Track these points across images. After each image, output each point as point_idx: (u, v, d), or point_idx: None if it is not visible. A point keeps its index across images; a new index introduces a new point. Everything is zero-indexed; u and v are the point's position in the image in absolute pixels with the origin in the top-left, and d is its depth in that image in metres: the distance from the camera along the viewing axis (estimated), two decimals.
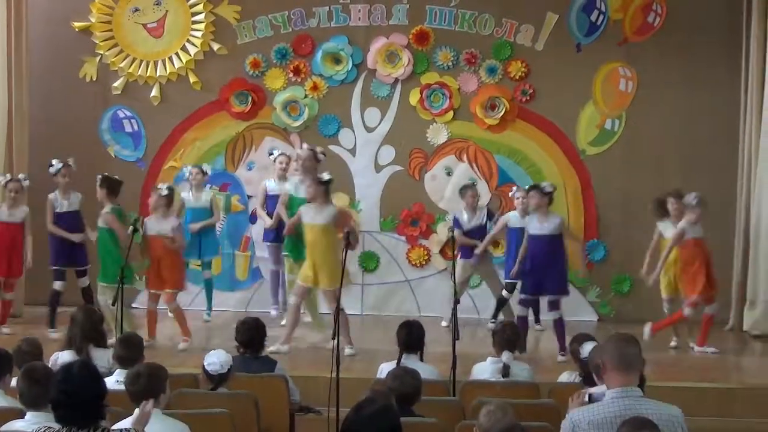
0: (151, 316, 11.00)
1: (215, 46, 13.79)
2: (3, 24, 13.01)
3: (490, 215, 12.36)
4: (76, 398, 4.70)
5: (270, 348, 9.74)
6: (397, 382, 6.23)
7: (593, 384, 6.58)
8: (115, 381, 6.72)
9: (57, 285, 11.59)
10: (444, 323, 12.04)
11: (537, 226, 10.80)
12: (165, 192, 10.97)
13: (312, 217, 10.73)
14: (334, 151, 13.51)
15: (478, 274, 12.62)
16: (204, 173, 12.60)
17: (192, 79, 13.80)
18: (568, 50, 13.48)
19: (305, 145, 12.47)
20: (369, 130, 13.72)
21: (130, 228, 10.43)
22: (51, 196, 11.66)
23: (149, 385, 5.69)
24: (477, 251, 11.99)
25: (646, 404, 4.88)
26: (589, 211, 13.47)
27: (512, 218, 11.91)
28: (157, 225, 10.89)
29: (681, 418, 4.89)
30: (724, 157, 13.13)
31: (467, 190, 12.50)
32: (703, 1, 13.34)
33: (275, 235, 12.36)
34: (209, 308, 12.68)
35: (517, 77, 13.55)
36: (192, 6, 13.81)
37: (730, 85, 13.10)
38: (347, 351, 10.42)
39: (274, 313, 12.51)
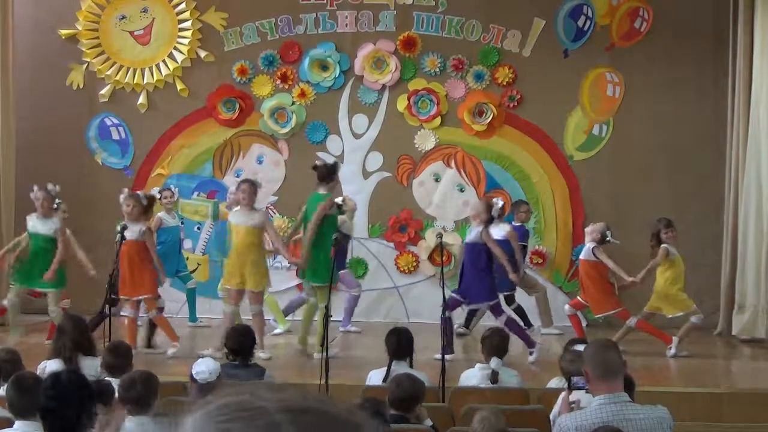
0: (131, 325, 10.86)
1: (202, 53, 13.78)
2: None
3: None
4: (65, 406, 4.68)
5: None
6: (393, 386, 6.20)
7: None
8: None
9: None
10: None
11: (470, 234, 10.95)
12: (144, 201, 10.88)
13: (242, 220, 10.81)
14: (322, 158, 13.51)
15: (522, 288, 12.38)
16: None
17: (179, 86, 13.79)
18: (556, 56, 13.50)
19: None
20: (357, 136, 13.72)
21: (118, 236, 10.40)
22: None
23: (145, 390, 5.68)
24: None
25: (634, 409, 4.89)
26: (577, 217, 13.49)
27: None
28: (130, 230, 10.73)
29: (669, 420, 4.90)
30: (712, 162, 13.17)
31: (521, 205, 12.65)
32: (689, 7, 13.38)
33: None
34: (193, 317, 12.69)
35: (505, 83, 13.56)
36: (179, 13, 13.81)
37: (717, 90, 13.15)
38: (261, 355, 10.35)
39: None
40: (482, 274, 10.68)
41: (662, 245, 11.21)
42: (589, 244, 11.36)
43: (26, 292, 11.48)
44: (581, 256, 11.55)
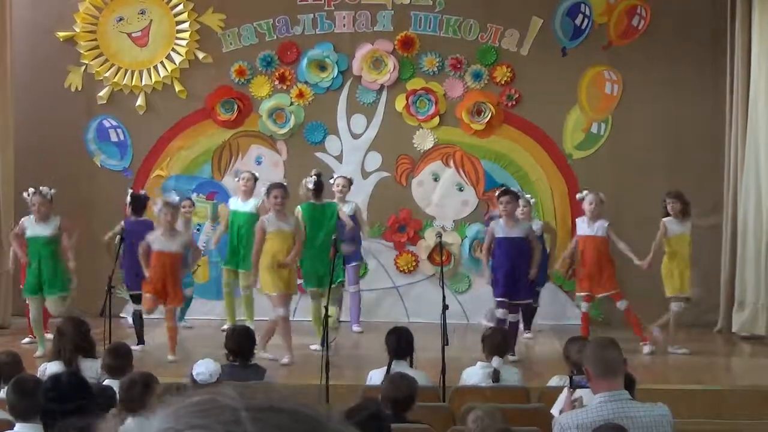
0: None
1: (200, 55, 13.77)
2: None
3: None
4: (65, 408, 4.69)
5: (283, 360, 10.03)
6: (389, 387, 6.22)
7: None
8: None
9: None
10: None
11: (505, 229, 10.73)
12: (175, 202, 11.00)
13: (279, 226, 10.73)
14: (320, 159, 13.51)
15: None
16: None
17: (177, 87, 13.78)
18: (554, 54, 13.50)
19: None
20: (355, 136, 13.71)
21: (117, 238, 10.40)
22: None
23: (144, 392, 5.69)
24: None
25: (634, 406, 4.89)
26: (576, 215, 13.46)
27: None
28: (166, 242, 10.64)
29: (669, 417, 4.91)
30: (711, 159, 13.17)
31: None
32: (687, 4, 13.38)
33: None
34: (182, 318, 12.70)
35: (503, 82, 13.56)
36: (176, 15, 13.79)
37: (716, 88, 13.14)
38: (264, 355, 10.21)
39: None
40: (526, 270, 10.65)
41: (662, 220, 11.20)
42: (601, 221, 11.22)
43: (42, 303, 11.04)
44: (593, 233, 11.27)
